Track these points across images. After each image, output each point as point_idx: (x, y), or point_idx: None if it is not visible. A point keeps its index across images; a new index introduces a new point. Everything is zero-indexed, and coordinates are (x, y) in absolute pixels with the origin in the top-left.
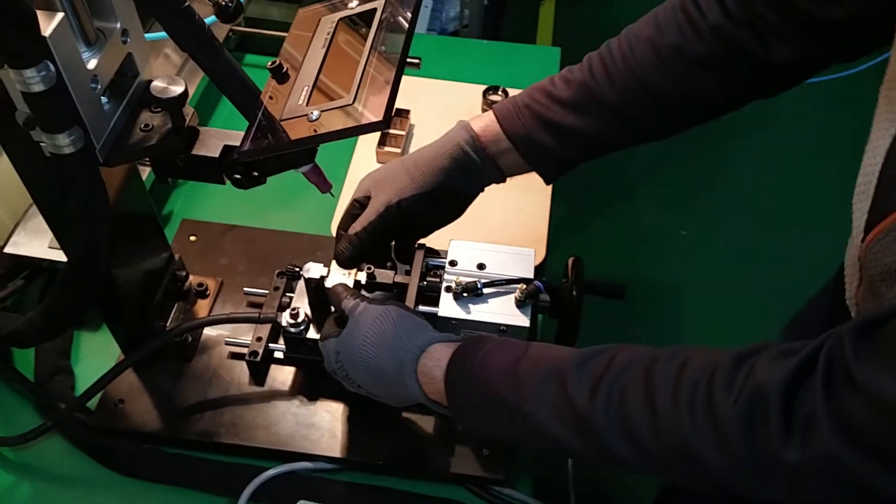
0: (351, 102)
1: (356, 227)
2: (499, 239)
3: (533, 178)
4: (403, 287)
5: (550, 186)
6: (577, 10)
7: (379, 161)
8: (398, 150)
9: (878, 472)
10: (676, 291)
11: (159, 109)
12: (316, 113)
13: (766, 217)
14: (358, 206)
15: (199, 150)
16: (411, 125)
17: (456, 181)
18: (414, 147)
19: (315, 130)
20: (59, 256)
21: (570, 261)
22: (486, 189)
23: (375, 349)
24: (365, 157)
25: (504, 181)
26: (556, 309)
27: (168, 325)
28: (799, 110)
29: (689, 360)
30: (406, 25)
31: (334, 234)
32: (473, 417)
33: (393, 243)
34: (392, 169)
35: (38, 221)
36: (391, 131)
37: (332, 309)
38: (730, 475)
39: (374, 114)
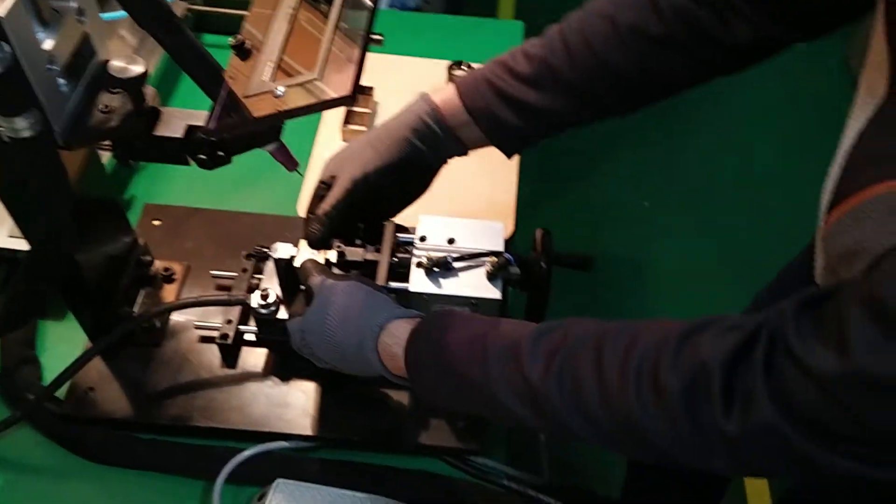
0: (317, 78)
1: (324, 206)
2: (467, 214)
3: (499, 153)
4: (374, 264)
5: (517, 160)
6: None
7: (344, 139)
8: (364, 128)
9: (813, 443)
10: (640, 262)
11: (118, 90)
12: (281, 89)
13: (726, 187)
14: (324, 187)
15: (162, 130)
16: (376, 102)
17: (419, 152)
18: (378, 125)
19: (281, 107)
20: (19, 245)
21: (539, 233)
22: (453, 164)
23: (337, 326)
24: (329, 135)
25: (466, 154)
26: (526, 281)
27: (135, 310)
28: (759, 80)
29: (639, 335)
30: (368, 2)
31: (301, 213)
32: (434, 393)
33: (362, 226)
34: (356, 145)
35: None
36: (356, 109)
37: (302, 287)
38: (674, 448)
39: (340, 89)
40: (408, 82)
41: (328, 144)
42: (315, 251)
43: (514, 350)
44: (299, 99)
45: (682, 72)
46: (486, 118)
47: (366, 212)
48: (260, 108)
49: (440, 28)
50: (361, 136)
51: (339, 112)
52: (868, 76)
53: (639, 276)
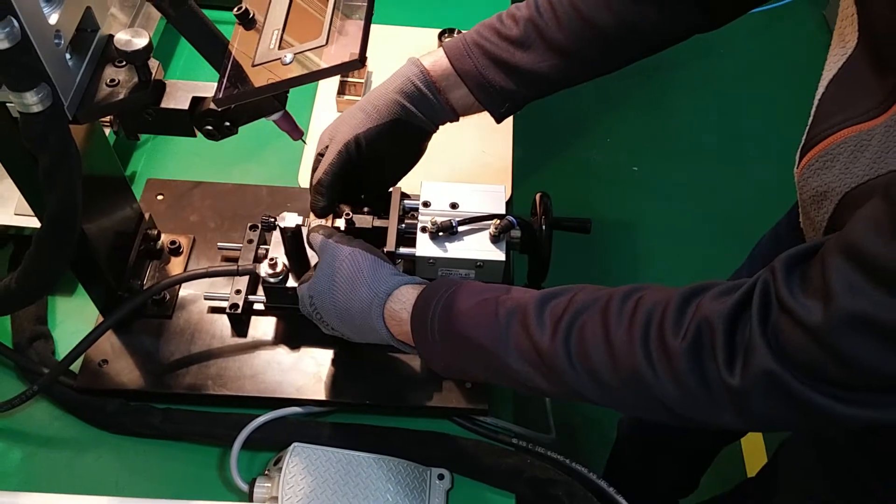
0: (325, 43)
1: (318, 173)
2: (465, 179)
3: (492, 120)
4: (383, 230)
5: (511, 127)
6: None
7: (339, 110)
8: (358, 98)
9: (808, 385)
10: (632, 225)
11: (123, 63)
12: (289, 56)
13: (712, 148)
14: (321, 158)
15: (168, 103)
16: (369, 72)
17: (410, 115)
18: None
19: (290, 74)
20: (26, 223)
21: (538, 196)
22: (449, 132)
23: (344, 292)
24: (325, 106)
25: (457, 119)
26: (527, 243)
27: (144, 283)
28: (740, 40)
29: (643, 299)
30: None
31: (302, 184)
32: (440, 357)
33: (363, 197)
34: (347, 112)
35: (1, 188)
36: (349, 79)
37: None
38: (683, 404)
39: (349, 53)
40: (399, 52)
41: (324, 116)
42: (322, 220)
43: (522, 315)
44: (308, 65)
45: (664, 27)
46: (476, 80)
47: (364, 178)
48: (268, 77)
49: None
50: (354, 104)
51: (333, 83)
52: (840, 27)
53: (631, 238)
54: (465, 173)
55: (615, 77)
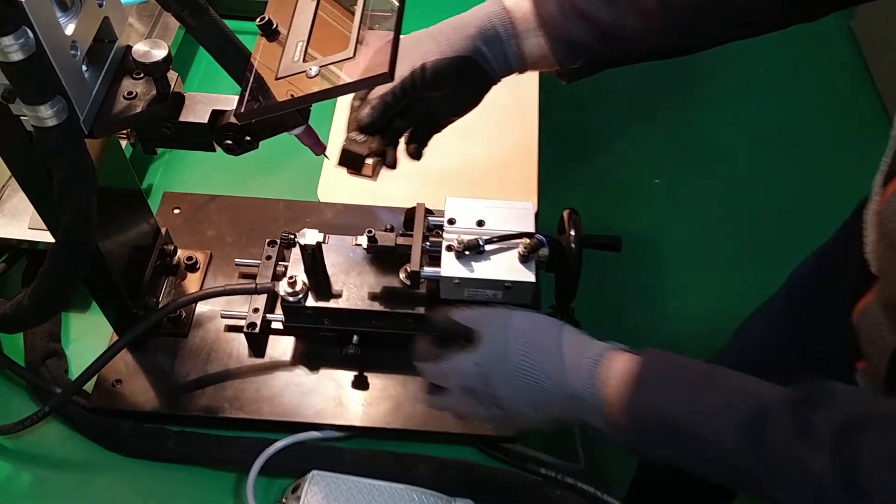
0: (352, 56)
1: (380, 90)
2: (489, 194)
3: (520, 130)
4: (406, 248)
5: (536, 140)
6: None
7: None
8: None
9: None
10: (655, 239)
11: (142, 76)
12: (315, 69)
13: (736, 161)
14: None
15: (187, 116)
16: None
17: (480, 55)
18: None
19: (315, 87)
20: (40, 237)
21: (566, 213)
22: (473, 145)
23: (536, 354)
24: (344, 121)
25: (522, 72)
26: (555, 262)
27: (160, 301)
28: (764, 52)
29: None
30: None
31: (322, 198)
32: (652, 441)
33: (404, 140)
34: (418, 36)
35: (15, 202)
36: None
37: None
38: None
39: (378, 66)
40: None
41: (344, 129)
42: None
43: (773, 420)
44: (334, 79)
45: (754, 6)
46: (555, 29)
47: (417, 109)
48: (292, 91)
49: (454, 6)
50: (423, 29)
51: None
52: None
53: (653, 252)
54: (489, 187)
55: (639, 88)
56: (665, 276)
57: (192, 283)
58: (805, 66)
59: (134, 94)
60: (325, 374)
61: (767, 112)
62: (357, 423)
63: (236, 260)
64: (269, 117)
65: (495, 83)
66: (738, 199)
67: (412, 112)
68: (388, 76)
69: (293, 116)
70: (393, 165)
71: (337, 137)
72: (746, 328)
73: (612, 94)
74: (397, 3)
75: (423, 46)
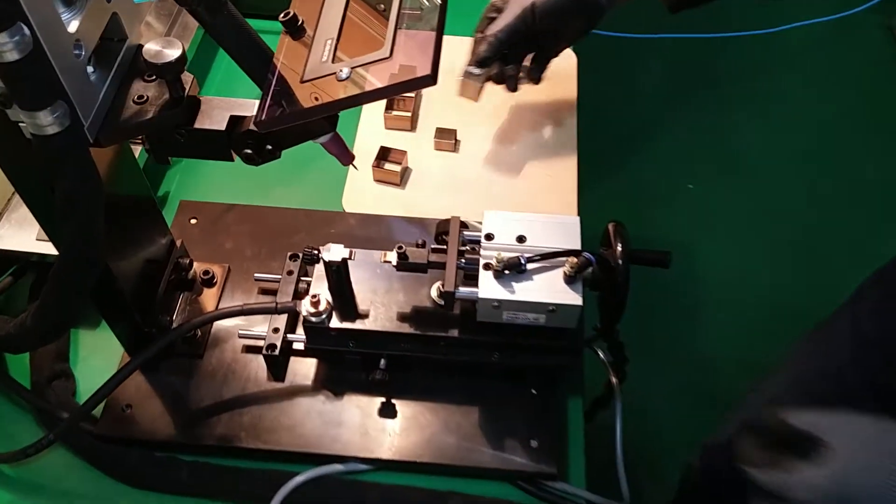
0: (388, 56)
1: (494, 28)
2: (527, 204)
3: (557, 137)
4: (439, 266)
5: (576, 147)
6: None
7: (388, 127)
8: (408, 114)
9: None
10: (687, 246)
11: (154, 78)
12: (346, 70)
13: (772, 166)
14: (494, 9)
15: (203, 122)
16: None
17: None
18: (424, 110)
19: (346, 92)
20: (50, 249)
21: (611, 226)
22: (510, 152)
23: None
24: (372, 123)
25: (628, 2)
26: (602, 281)
27: (174, 318)
28: (801, 53)
29: None
30: None
31: (346, 208)
32: None
33: (527, 63)
34: None
35: (22, 211)
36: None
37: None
38: None
39: (419, 68)
40: (452, 63)
41: (371, 133)
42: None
43: None
44: (368, 82)
45: None
46: None
47: (530, 42)
48: (320, 95)
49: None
50: None
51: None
52: None
53: (686, 260)
54: (524, 197)
55: (670, 91)
56: (701, 285)
57: (208, 299)
58: (843, 67)
59: (145, 97)
60: (350, 400)
61: (804, 114)
62: (384, 456)
63: (256, 274)
64: (295, 125)
65: (605, 12)
66: (775, 205)
67: (527, 43)
68: (431, 79)
69: (319, 123)
70: (514, 89)
71: (364, 139)
72: (802, 353)
73: (642, 97)
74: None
75: None
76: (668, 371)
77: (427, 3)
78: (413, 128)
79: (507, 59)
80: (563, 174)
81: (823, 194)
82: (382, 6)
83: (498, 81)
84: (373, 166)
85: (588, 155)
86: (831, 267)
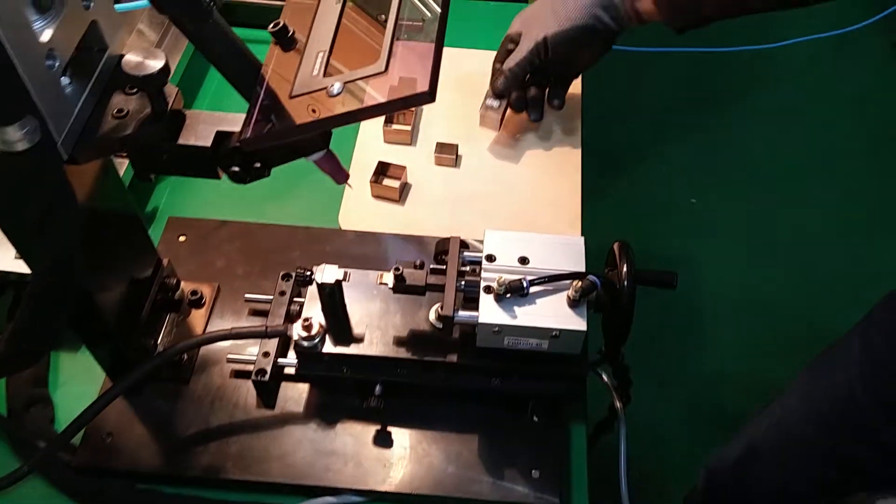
0: (384, 70)
1: (510, 62)
2: (529, 222)
3: (560, 153)
4: (438, 288)
5: (580, 163)
6: None
7: (387, 141)
8: (408, 128)
9: None
10: (690, 260)
11: (135, 90)
12: (338, 85)
13: (775, 181)
14: (511, 42)
15: (188, 138)
16: None
17: (597, 20)
18: (424, 124)
19: (338, 108)
20: (27, 268)
21: (617, 246)
22: (511, 169)
23: None
24: (371, 137)
25: (644, 23)
26: (605, 302)
27: (159, 341)
28: (806, 67)
29: None
30: None
31: (343, 225)
32: None
33: (547, 91)
34: (539, 8)
35: None
36: None
37: None
38: None
39: (417, 83)
40: (453, 75)
41: (370, 147)
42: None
43: None
44: (362, 98)
45: None
46: None
47: (547, 71)
48: (310, 111)
49: (486, 15)
50: (546, 0)
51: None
52: None
53: (689, 275)
54: (530, 213)
55: (673, 105)
56: (704, 300)
57: (196, 320)
58: (846, 83)
59: (125, 111)
60: (344, 428)
61: (806, 131)
62: (379, 488)
63: (246, 295)
64: (285, 142)
65: (617, 35)
66: (779, 220)
67: (543, 73)
68: (429, 95)
69: (311, 140)
70: (537, 119)
71: (363, 155)
72: (811, 374)
73: (644, 110)
74: (439, 10)
75: (543, 21)
76: (673, 390)
77: (428, 14)
78: (413, 142)
79: (526, 88)
80: (567, 190)
81: (827, 210)
82: (382, 16)
83: (518, 110)
84: (371, 182)
85: (590, 168)
86: (835, 282)
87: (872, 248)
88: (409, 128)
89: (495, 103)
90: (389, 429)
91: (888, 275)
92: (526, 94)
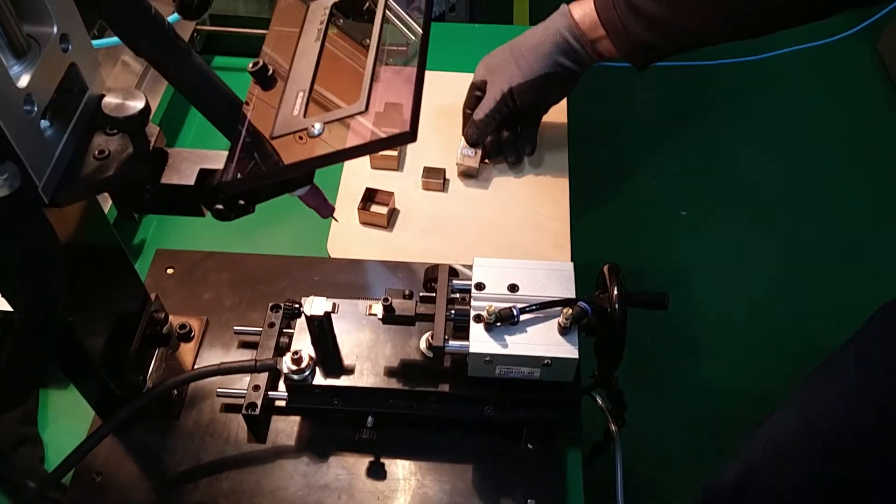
0: (364, 110)
1: (479, 113)
2: (518, 245)
3: (548, 176)
4: (427, 318)
5: (567, 184)
6: None
7: (374, 167)
8: (395, 153)
9: None
10: (681, 273)
11: (116, 131)
12: (318, 126)
13: (765, 191)
14: (477, 90)
15: (170, 177)
16: None
17: (559, 65)
18: (410, 149)
19: (320, 150)
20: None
21: (606, 269)
22: (500, 191)
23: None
24: (357, 163)
25: (606, 61)
26: (596, 326)
27: (149, 376)
28: (789, 76)
29: None
30: (421, 7)
31: (332, 254)
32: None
33: (520, 128)
34: (502, 58)
35: None
36: None
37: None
38: None
39: (396, 123)
40: (438, 99)
41: (357, 173)
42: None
43: None
44: (343, 138)
45: None
46: (617, 30)
47: (516, 114)
48: (293, 151)
49: (471, 38)
50: (505, 45)
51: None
52: None
53: (681, 288)
54: (519, 236)
55: (660, 117)
56: (696, 313)
57: (185, 354)
58: (830, 90)
59: (106, 152)
60: (336, 461)
61: (793, 138)
62: None
63: (235, 327)
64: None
65: (580, 75)
66: (769, 230)
67: (512, 118)
68: (410, 136)
69: (296, 177)
70: (515, 162)
71: (349, 185)
72: (808, 389)
73: (632, 125)
74: (417, 39)
75: (506, 71)
76: (667, 407)
77: (411, 36)
78: (400, 167)
79: (499, 131)
80: (555, 213)
81: (817, 219)
82: (366, 40)
83: (495, 155)
84: (358, 209)
85: (579, 182)
86: (827, 292)
87: (866, 259)
88: (395, 153)
89: (471, 151)
90: (382, 460)
91: (882, 287)
92: (500, 136)
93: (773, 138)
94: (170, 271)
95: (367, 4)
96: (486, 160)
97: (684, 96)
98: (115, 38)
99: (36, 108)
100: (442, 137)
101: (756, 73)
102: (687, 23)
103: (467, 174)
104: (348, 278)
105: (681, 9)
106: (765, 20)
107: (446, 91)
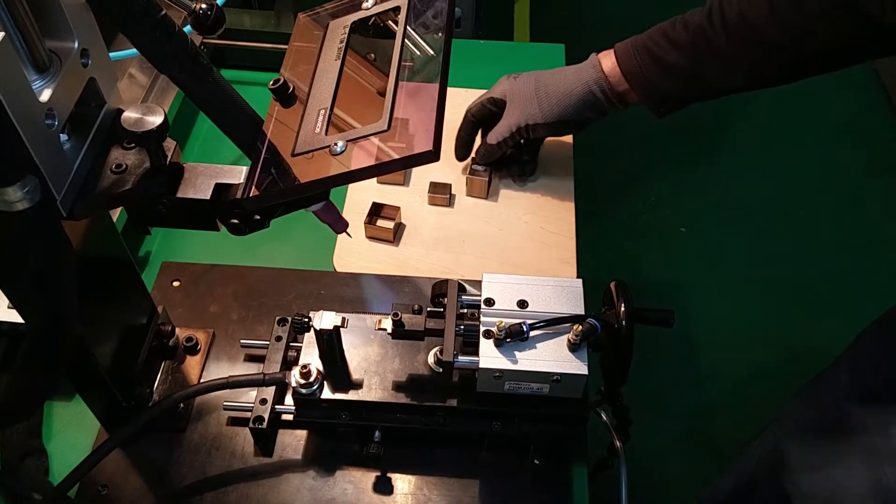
0: (386, 129)
1: (492, 137)
2: (523, 260)
3: (554, 193)
4: (437, 333)
5: (573, 199)
6: (551, 4)
7: (380, 181)
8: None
9: None
10: (680, 289)
11: (133, 145)
12: (341, 144)
13: (764, 209)
14: (492, 103)
15: (186, 191)
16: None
17: (580, 115)
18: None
19: (342, 168)
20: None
21: (613, 286)
22: (506, 208)
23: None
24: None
25: (626, 109)
26: (603, 342)
27: (155, 389)
28: (790, 96)
29: None
30: (439, 25)
31: (338, 268)
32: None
33: (526, 158)
34: (526, 91)
35: None
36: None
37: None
38: None
39: (420, 142)
40: (446, 116)
41: (363, 187)
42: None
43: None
44: (364, 157)
45: (835, 47)
46: (639, 81)
47: (523, 145)
48: (315, 168)
49: (475, 54)
50: (531, 76)
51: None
52: None
53: (679, 304)
54: (525, 252)
55: (661, 136)
56: (695, 330)
57: (191, 367)
58: (830, 111)
59: (124, 166)
60: (343, 475)
61: (793, 158)
62: None
63: (242, 340)
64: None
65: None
66: (768, 247)
67: (521, 146)
68: (433, 154)
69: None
70: (531, 173)
71: (355, 198)
72: (801, 401)
73: (634, 142)
74: (438, 56)
75: (527, 107)
76: (670, 422)
77: (430, 52)
78: (406, 182)
79: (505, 158)
80: (561, 229)
81: (815, 236)
82: (381, 68)
83: (502, 168)
84: (365, 223)
85: (580, 199)
86: (824, 309)
87: (864, 272)
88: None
89: (480, 168)
90: (389, 475)
91: (879, 301)
92: (506, 154)
93: (772, 156)
94: (176, 284)
95: (386, 23)
96: (485, 166)
97: (684, 114)
98: (132, 50)
99: (57, 122)
100: (447, 153)
101: (757, 93)
102: (709, 74)
103: (477, 193)
104: (354, 292)
105: (703, 60)
106: (785, 73)
107: (451, 107)
